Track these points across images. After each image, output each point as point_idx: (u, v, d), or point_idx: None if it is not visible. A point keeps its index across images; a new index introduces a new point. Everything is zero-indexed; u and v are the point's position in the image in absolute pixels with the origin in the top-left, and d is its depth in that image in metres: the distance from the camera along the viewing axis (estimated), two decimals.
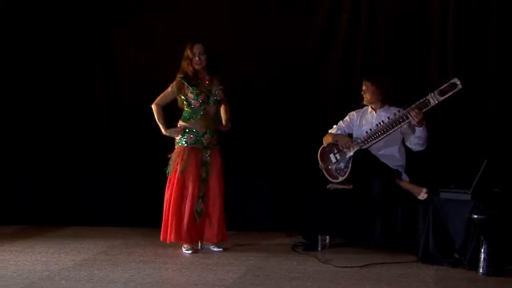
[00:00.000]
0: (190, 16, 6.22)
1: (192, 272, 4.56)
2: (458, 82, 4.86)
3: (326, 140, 5.49)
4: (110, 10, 6.44)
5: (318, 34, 6.13)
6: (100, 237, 5.82)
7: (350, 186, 5.26)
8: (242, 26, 6.16)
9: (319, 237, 5.30)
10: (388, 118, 5.12)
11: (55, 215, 6.40)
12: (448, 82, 4.89)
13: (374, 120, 5.31)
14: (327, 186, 5.41)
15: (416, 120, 4.92)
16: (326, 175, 5.41)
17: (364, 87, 5.33)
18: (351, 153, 5.24)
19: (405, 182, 5.09)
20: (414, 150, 5.20)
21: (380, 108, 5.33)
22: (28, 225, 6.34)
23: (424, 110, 4.93)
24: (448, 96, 4.89)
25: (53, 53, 6.49)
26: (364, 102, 5.38)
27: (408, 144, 5.21)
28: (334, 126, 5.52)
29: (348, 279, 4.37)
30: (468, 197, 4.61)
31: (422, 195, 4.88)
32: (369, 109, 5.41)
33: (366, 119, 5.40)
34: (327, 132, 5.52)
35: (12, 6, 6.46)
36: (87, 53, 6.49)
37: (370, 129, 5.21)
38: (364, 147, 5.19)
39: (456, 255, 4.65)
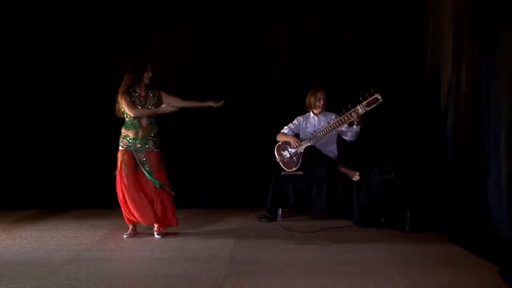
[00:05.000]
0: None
1: (199, 241, 5.72)
2: (380, 97, 6.26)
3: (280, 138, 6.81)
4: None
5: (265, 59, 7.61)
6: (102, 217, 6.71)
7: (299, 172, 6.71)
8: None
9: (279, 210, 6.71)
10: (328, 122, 6.58)
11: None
12: (373, 97, 6.26)
13: (316, 123, 6.72)
14: (282, 173, 6.77)
15: (357, 120, 6.37)
16: (282, 166, 6.79)
17: (319, 97, 6.66)
18: (301, 150, 6.63)
19: (343, 168, 6.57)
20: (348, 141, 6.63)
21: (320, 113, 6.79)
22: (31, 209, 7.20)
23: (355, 117, 6.34)
24: (373, 107, 6.32)
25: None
26: (318, 109, 6.72)
27: (344, 137, 6.62)
28: (285, 127, 6.82)
29: (313, 240, 5.71)
30: (391, 177, 6.30)
31: (356, 177, 6.37)
32: (311, 114, 6.80)
33: (310, 122, 6.78)
34: (280, 131, 6.84)
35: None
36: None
37: (314, 131, 6.64)
38: (311, 144, 6.60)
39: (382, 219, 6.27)
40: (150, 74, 5.85)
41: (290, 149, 6.75)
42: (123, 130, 5.88)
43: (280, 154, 6.82)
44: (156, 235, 5.89)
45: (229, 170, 7.53)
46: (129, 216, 5.91)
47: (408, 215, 6.07)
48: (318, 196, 6.57)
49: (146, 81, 5.86)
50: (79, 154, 7.51)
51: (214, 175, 7.55)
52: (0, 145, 7.49)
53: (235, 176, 7.50)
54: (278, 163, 6.83)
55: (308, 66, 7.54)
